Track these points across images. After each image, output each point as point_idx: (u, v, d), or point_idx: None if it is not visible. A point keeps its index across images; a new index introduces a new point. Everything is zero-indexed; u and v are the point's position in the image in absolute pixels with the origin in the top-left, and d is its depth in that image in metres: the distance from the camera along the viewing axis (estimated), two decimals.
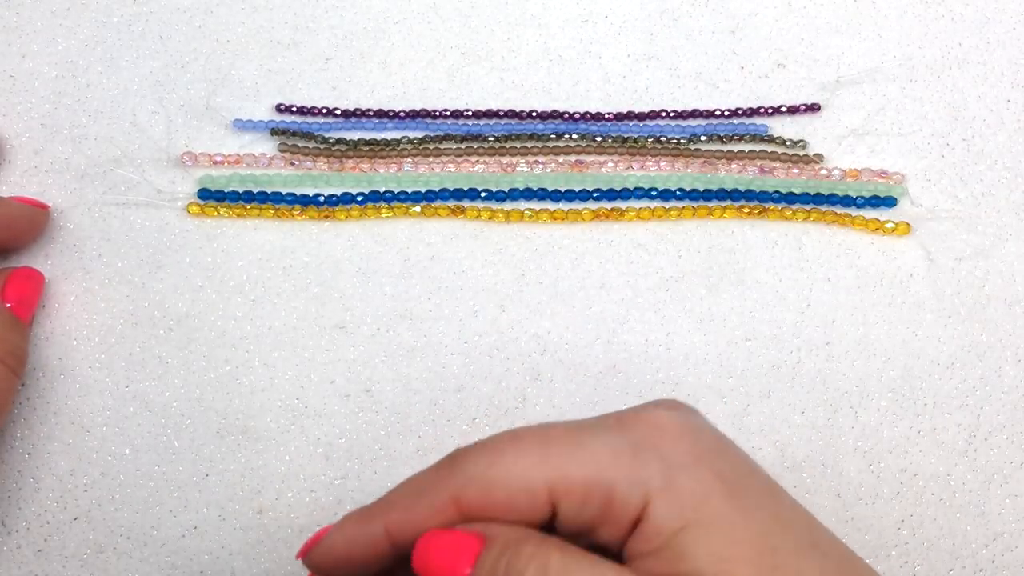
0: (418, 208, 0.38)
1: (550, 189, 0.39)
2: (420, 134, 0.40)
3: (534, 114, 0.40)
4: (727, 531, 0.23)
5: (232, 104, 0.40)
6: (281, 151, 0.39)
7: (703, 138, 0.40)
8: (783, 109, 0.40)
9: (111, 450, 0.35)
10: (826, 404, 0.36)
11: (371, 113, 0.40)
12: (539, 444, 0.25)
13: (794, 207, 0.38)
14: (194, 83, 0.40)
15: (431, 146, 0.40)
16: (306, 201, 0.38)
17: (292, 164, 0.39)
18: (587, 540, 0.25)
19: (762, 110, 0.40)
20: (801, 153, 0.39)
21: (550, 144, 0.40)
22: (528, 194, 0.39)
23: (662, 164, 0.39)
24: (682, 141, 0.40)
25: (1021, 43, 0.41)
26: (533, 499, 0.24)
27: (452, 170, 0.39)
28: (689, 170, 0.39)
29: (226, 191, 0.38)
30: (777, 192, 0.38)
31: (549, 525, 0.25)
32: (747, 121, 0.40)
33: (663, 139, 0.40)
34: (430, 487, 0.26)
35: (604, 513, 0.24)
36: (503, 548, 0.24)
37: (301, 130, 0.39)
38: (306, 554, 0.27)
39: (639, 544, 0.24)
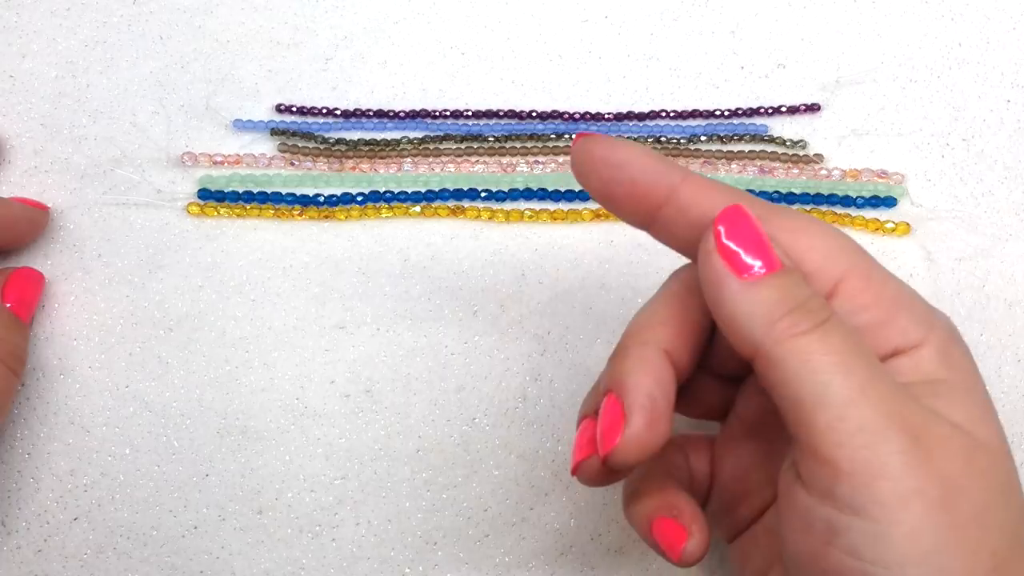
0: (418, 208, 0.38)
1: (550, 189, 0.39)
2: (420, 134, 0.40)
3: (534, 114, 0.40)
4: (981, 405, 0.24)
5: (232, 104, 0.40)
6: (281, 151, 0.39)
7: (703, 138, 0.40)
8: (783, 109, 0.40)
9: (111, 450, 0.35)
10: None
11: (371, 113, 0.40)
12: (851, 244, 0.25)
13: (794, 207, 0.38)
14: (194, 83, 0.40)
15: (431, 146, 0.40)
16: (306, 201, 0.38)
17: (292, 164, 0.39)
18: None
19: (762, 110, 0.40)
20: (801, 153, 0.39)
21: (550, 144, 0.40)
22: (528, 194, 0.39)
23: None
24: (682, 141, 0.40)
25: (1021, 43, 0.41)
26: (817, 277, 0.24)
27: (452, 170, 0.39)
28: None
29: (226, 191, 0.38)
30: (777, 192, 0.38)
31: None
32: (747, 121, 0.40)
33: (663, 139, 0.40)
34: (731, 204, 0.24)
35: (869, 329, 0.24)
36: (808, 284, 0.23)
37: (301, 130, 0.39)
38: (585, 143, 0.25)
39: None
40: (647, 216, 0.25)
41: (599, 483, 0.25)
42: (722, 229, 0.23)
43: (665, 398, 0.24)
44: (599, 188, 0.25)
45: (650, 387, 0.24)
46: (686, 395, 0.28)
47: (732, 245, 0.23)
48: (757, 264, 0.23)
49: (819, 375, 0.21)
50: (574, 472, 0.25)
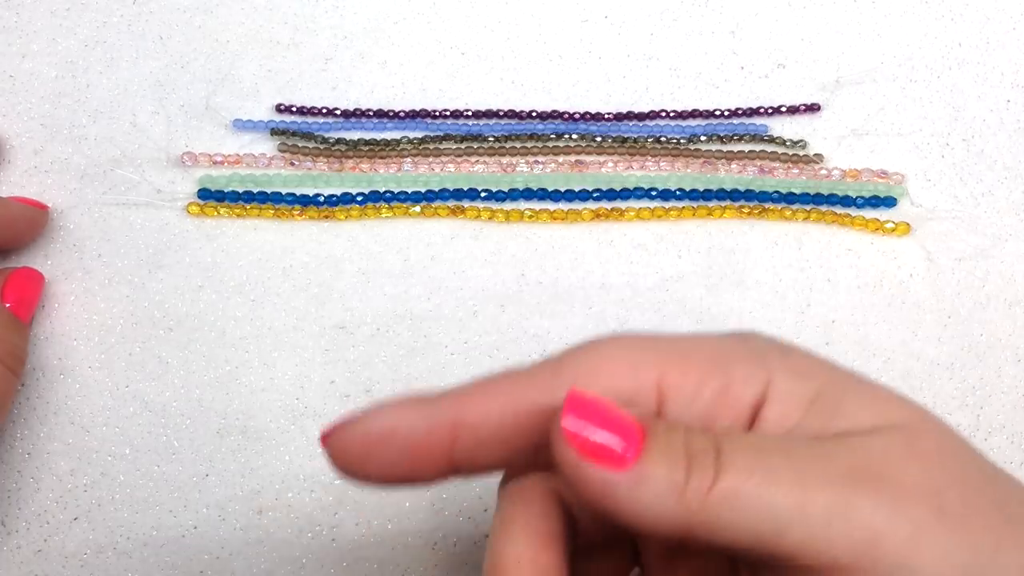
0: (418, 208, 0.38)
1: (550, 189, 0.39)
2: (420, 134, 0.40)
3: (534, 114, 0.40)
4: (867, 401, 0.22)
5: (232, 104, 0.40)
6: (281, 151, 0.39)
7: (703, 138, 0.40)
8: (783, 109, 0.40)
9: (111, 450, 0.35)
10: None
11: (371, 113, 0.40)
12: (645, 341, 0.22)
13: (794, 207, 0.38)
14: (194, 83, 0.40)
15: (431, 146, 0.40)
16: (306, 201, 0.38)
17: (292, 164, 0.39)
18: None
19: (762, 110, 0.40)
20: (801, 153, 0.39)
21: (550, 144, 0.40)
22: (528, 194, 0.39)
23: (662, 164, 0.39)
24: (682, 141, 0.40)
25: (1021, 43, 0.41)
26: (639, 397, 0.22)
27: (452, 170, 0.39)
28: (689, 170, 0.39)
29: (226, 191, 0.38)
30: (777, 192, 0.38)
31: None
32: (747, 121, 0.40)
33: (663, 139, 0.40)
34: (529, 386, 0.22)
35: (717, 403, 0.22)
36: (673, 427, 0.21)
37: (301, 130, 0.39)
38: (331, 436, 0.21)
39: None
40: (447, 468, 0.22)
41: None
42: (571, 425, 0.20)
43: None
44: (381, 475, 0.22)
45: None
46: None
47: (593, 437, 0.20)
48: (620, 447, 0.20)
49: (758, 507, 0.20)
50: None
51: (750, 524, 0.20)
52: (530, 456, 0.22)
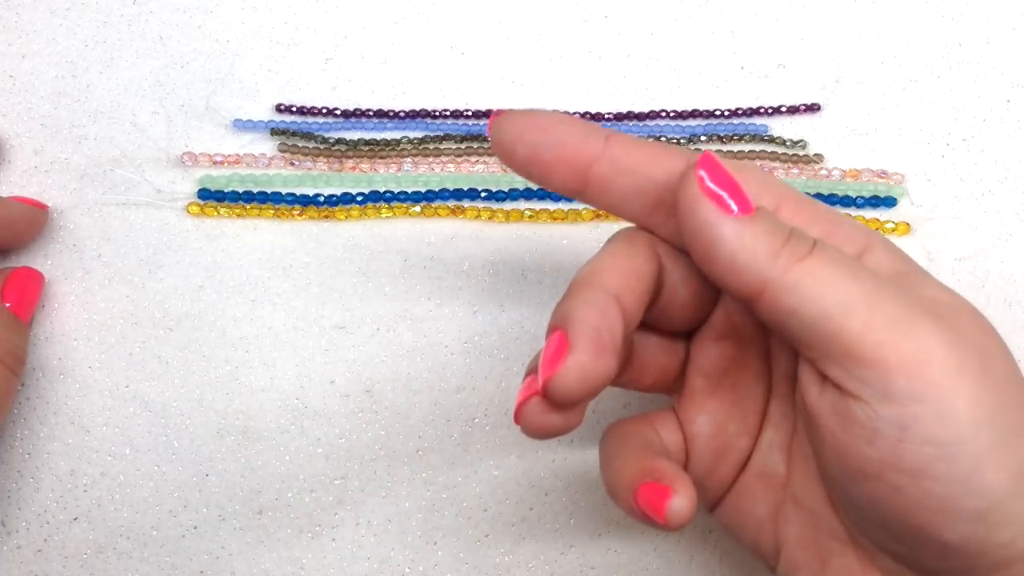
0: (418, 208, 0.38)
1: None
2: (420, 134, 0.40)
3: None
4: None
5: (232, 104, 0.40)
6: (281, 151, 0.39)
7: (703, 138, 0.40)
8: (783, 109, 0.40)
9: (111, 450, 0.35)
10: None
11: (371, 113, 0.40)
12: (772, 177, 0.26)
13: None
14: (194, 83, 0.40)
15: (431, 146, 0.40)
16: (306, 201, 0.38)
17: (292, 164, 0.39)
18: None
19: (762, 110, 0.40)
20: (801, 153, 0.39)
21: None
22: (528, 194, 0.39)
23: None
24: (682, 141, 0.40)
25: (1021, 43, 0.41)
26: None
27: (452, 170, 0.39)
28: None
29: (226, 191, 0.38)
30: None
31: None
32: (747, 121, 0.40)
33: (663, 139, 0.40)
34: (672, 154, 0.25)
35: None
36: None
37: (301, 130, 0.39)
38: (501, 115, 0.25)
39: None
40: (579, 178, 0.25)
41: (543, 428, 0.24)
42: (704, 174, 0.23)
43: (611, 334, 0.23)
44: (527, 156, 0.25)
45: (596, 321, 0.23)
46: (635, 363, 0.28)
47: (716, 189, 0.23)
48: (735, 208, 0.23)
49: (836, 287, 0.23)
50: (516, 418, 0.24)
51: (822, 300, 0.23)
52: (647, 214, 0.26)
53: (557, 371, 0.23)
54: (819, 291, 0.23)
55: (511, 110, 0.25)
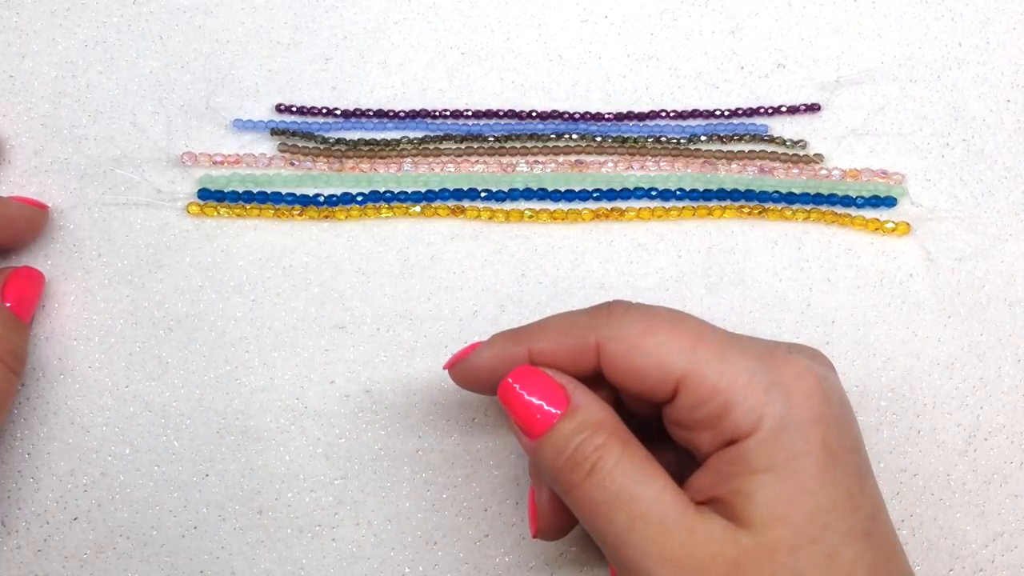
0: (418, 208, 0.38)
1: (550, 189, 0.39)
2: (420, 134, 0.40)
3: (534, 114, 0.40)
4: (795, 493, 0.25)
5: (232, 104, 0.40)
6: (281, 151, 0.39)
7: (703, 138, 0.40)
8: (783, 109, 0.40)
9: (111, 450, 0.35)
10: None
11: (371, 113, 0.40)
12: (692, 337, 0.27)
13: (794, 207, 0.38)
14: (194, 83, 0.40)
15: (431, 146, 0.40)
16: (306, 201, 0.38)
17: (292, 164, 0.39)
18: (676, 429, 0.28)
19: (762, 110, 0.40)
20: (801, 153, 0.39)
21: (550, 144, 0.40)
22: (528, 194, 0.39)
23: (662, 164, 0.39)
24: (682, 141, 0.40)
25: (1021, 43, 0.41)
26: (663, 379, 0.26)
27: (452, 170, 0.39)
28: (689, 170, 0.39)
29: (226, 191, 0.38)
30: (777, 192, 0.38)
31: (655, 404, 0.28)
32: (747, 121, 0.40)
33: (663, 139, 0.40)
34: (581, 328, 0.28)
35: (709, 421, 0.26)
36: (579, 428, 0.27)
37: (301, 130, 0.39)
38: (453, 366, 0.30)
39: (718, 461, 0.26)
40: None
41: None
42: (514, 385, 0.28)
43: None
44: (484, 387, 0.30)
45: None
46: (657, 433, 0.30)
47: (530, 398, 0.27)
48: (548, 408, 0.27)
49: (613, 513, 0.26)
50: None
51: (608, 518, 0.26)
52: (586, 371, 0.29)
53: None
54: (598, 513, 0.26)
55: (457, 359, 0.30)
